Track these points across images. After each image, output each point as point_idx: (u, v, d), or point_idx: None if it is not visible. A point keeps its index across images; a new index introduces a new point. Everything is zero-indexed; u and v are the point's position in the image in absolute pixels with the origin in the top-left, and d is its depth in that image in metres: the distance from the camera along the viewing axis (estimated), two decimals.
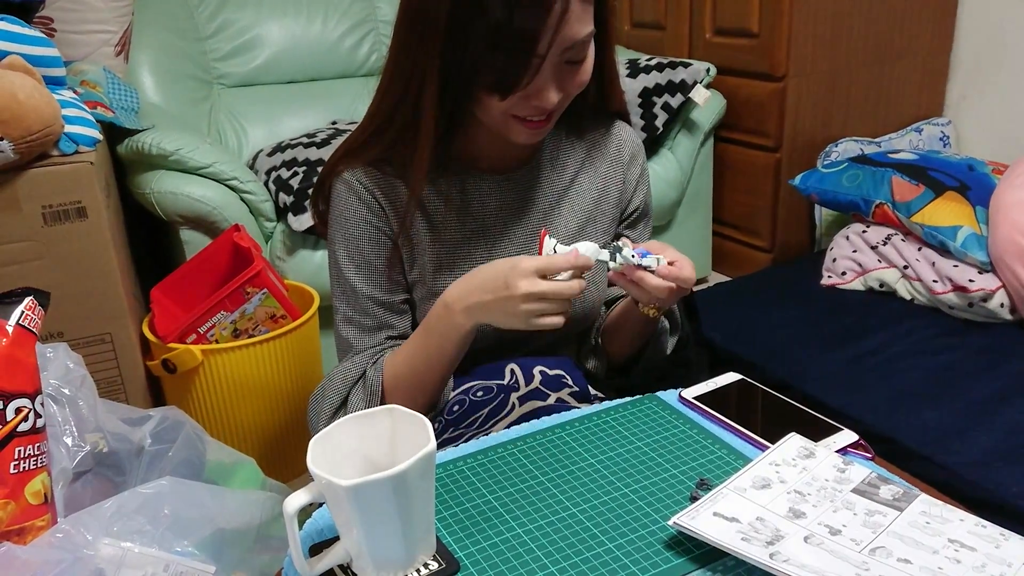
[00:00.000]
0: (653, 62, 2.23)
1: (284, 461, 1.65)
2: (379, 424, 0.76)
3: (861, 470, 0.79)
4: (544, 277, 0.88)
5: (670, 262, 0.95)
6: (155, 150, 1.68)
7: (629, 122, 1.19)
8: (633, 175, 1.17)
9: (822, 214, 2.26)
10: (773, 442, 0.84)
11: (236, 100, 2.31)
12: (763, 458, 0.81)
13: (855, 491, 0.76)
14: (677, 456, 0.86)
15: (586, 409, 0.97)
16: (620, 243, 0.94)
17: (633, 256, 0.92)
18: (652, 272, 0.94)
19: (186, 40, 2.26)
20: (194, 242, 1.75)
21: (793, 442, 0.83)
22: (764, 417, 0.93)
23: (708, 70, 2.17)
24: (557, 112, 1.00)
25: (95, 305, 1.49)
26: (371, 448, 0.76)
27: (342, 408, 1.06)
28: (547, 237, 0.92)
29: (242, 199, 1.79)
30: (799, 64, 2.12)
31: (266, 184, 1.91)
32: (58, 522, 0.87)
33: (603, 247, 0.95)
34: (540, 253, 0.91)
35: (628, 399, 0.99)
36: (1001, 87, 2.27)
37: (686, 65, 2.18)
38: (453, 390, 1.09)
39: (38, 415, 0.86)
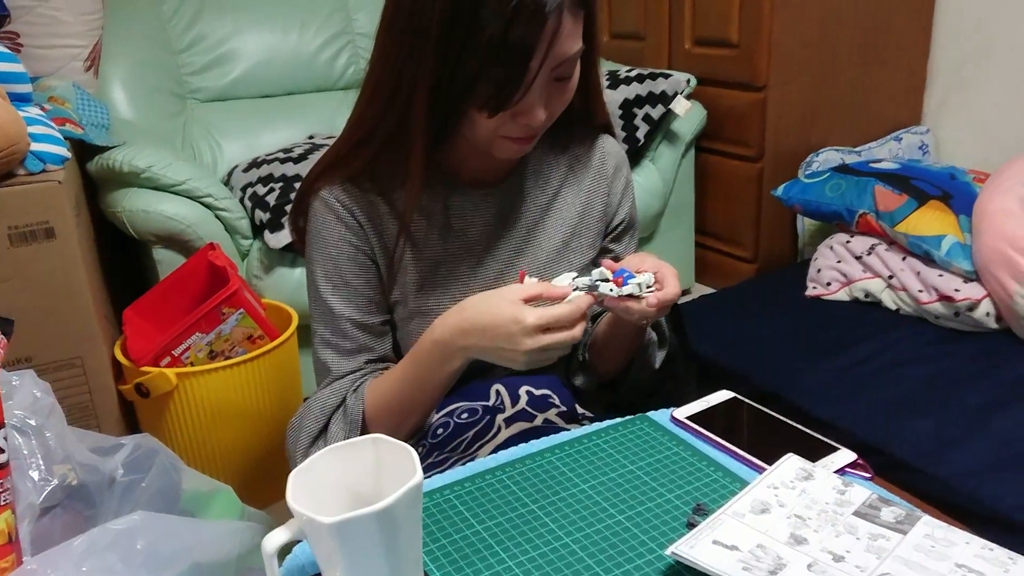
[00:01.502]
0: (633, 73, 2.21)
1: (264, 485, 1.61)
2: (363, 454, 0.72)
3: (861, 491, 0.77)
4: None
5: (655, 276, 0.94)
6: (126, 167, 1.63)
7: (614, 135, 1.17)
8: (618, 187, 1.15)
9: (804, 224, 2.25)
10: (770, 463, 0.81)
11: (211, 115, 2.27)
12: (761, 481, 0.78)
13: (857, 514, 0.73)
14: (671, 480, 0.83)
15: (575, 431, 0.94)
16: (597, 274, 0.93)
17: (613, 290, 0.92)
18: (635, 297, 0.93)
19: (159, 54, 2.21)
20: (168, 261, 1.71)
21: (791, 463, 0.81)
22: (759, 437, 0.90)
23: (689, 81, 2.16)
24: (542, 129, 0.98)
25: (65, 328, 1.44)
26: (354, 479, 0.72)
27: (321, 437, 1.02)
28: (526, 277, 0.93)
29: (217, 216, 1.75)
30: (780, 74, 2.12)
31: (242, 201, 1.87)
32: (23, 562, 0.82)
33: (581, 274, 0.95)
34: None
35: (618, 420, 0.96)
36: (978, 94, 2.27)
37: (667, 76, 2.16)
38: (437, 412, 1.06)
39: (1, 450, 0.82)
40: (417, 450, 1.05)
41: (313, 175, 1.05)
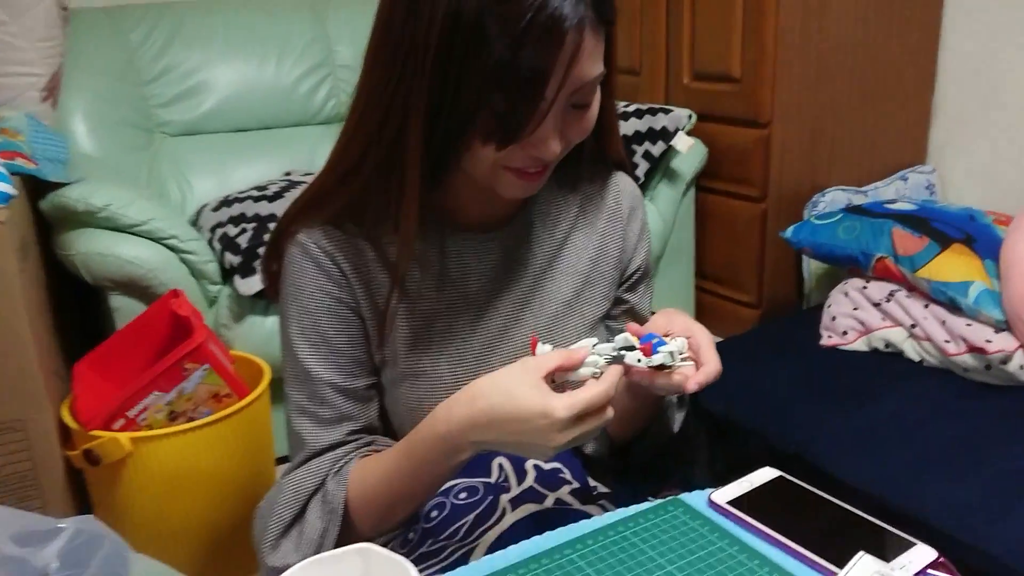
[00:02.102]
0: (632, 108, 2.10)
1: (232, 560, 1.44)
2: (348, 568, 0.58)
3: None
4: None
5: (688, 343, 0.82)
6: (82, 205, 1.48)
7: (629, 172, 1.04)
8: (634, 230, 1.03)
9: (811, 268, 2.13)
10: (836, 563, 0.68)
11: (180, 149, 2.12)
12: None
13: None
14: None
15: (597, 521, 0.80)
16: (621, 340, 0.80)
17: (640, 361, 0.79)
18: (667, 368, 0.80)
19: (125, 84, 2.07)
20: (126, 309, 1.55)
21: (865, 565, 0.67)
22: (819, 528, 0.76)
23: (690, 116, 2.06)
24: (555, 163, 0.85)
25: (5, 387, 1.27)
26: None
27: (295, 525, 0.87)
28: (539, 344, 0.80)
29: (182, 260, 1.59)
30: (784, 109, 2.01)
31: (210, 242, 1.72)
32: None
33: (596, 334, 0.86)
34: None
35: (646, 505, 0.81)
36: (983, 133, 2.19)
37: (667, 111, 2.06)
38: None
39: None
40: (408, 536, 0.90)
41: (290, 215, 0.91)
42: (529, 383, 0.74)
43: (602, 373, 0.77)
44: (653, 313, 0.91)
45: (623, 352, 0.80)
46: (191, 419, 1.36)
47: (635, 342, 0.81)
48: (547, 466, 0.96)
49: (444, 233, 0.92)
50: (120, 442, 1.28)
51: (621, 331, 0.84)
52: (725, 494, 0.80)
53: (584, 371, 0.79)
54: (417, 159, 0.79)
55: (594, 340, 0.81)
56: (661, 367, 0.80)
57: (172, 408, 1.34)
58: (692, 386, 0.79)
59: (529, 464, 0.95)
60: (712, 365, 0.80)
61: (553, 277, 0.97)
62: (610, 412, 0.76)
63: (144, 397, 1.31)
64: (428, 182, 0.83)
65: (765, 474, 0.84)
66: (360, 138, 0.84)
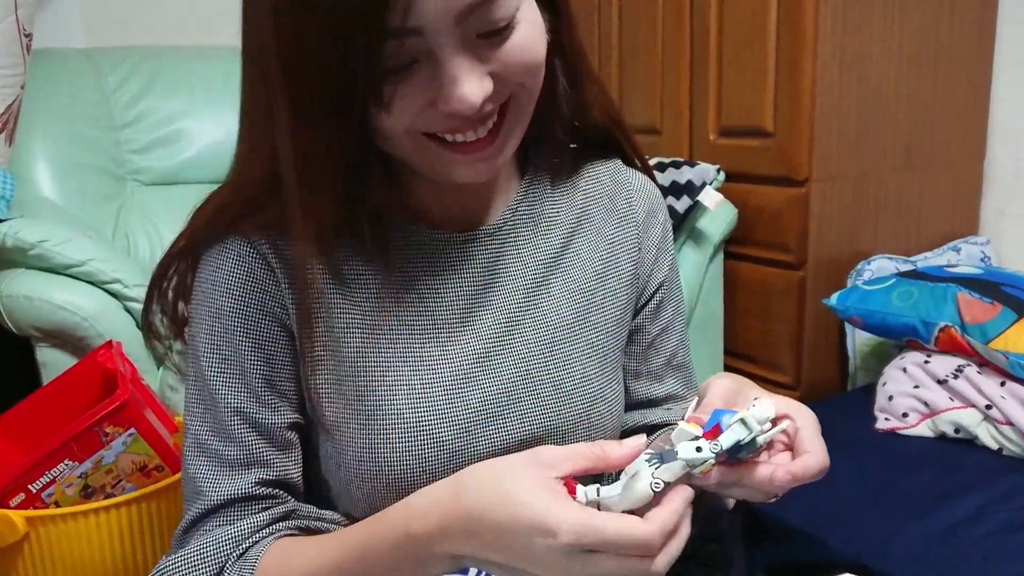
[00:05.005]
0: (653, 162, 1.90)
1: None
2: None
3: None
4: None
5: (776, 419, 0.60)
6: (11, 241, 1.27)
7: (634, 145, 0.83)
8: (652, 237, 0.81)
9: (856, 342, 1.88)
10: None
11: (153, 200, 1.93)
12: None
13: None
14: None
15: None
16: (678, 437, 0.57)
17: (710, 450, 0.55)
18: (754, 453, 0.58)
19: (98, 129, 1.90)
20: (56, 364, 1.32)
21: None
22: None
23: (718, 170, 1.85)
24: (508, 125, 0.63)
25: None
26: None
27: None
28: (578, 487, 0.55)
29: (127, 309, 1.37)
30: (823, 166, 1.81)
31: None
32: None
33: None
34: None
35: None
36: None
37: (692, 164, 1.85)
38: None
39: None
40: None
41: (200, 220, 0.71)
42: (535, 482, 0.52)
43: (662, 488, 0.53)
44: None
45: (674, 449, 0.56)
46: (110, 495, 1.10)
47: (695, 430, 0.57)
48: None
49: (404, 235, 0.70)
50: (12, 522, 1.02)
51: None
52: None
53: (637, 484, 0.53)
54: (291, 151, 0.60)
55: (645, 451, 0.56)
56: (737, 450, 0.56)
57: (87, 482, 1.09)
58: (783, 476, 0.56)
59: None
60: (816, 457, 0.57)
61: (550, 294, 0.74)
62: (662, 564, 0.51)
63: (52, 467, 1.06)
64: (356, 178, 0.63)
65: None
66: (244, 150, 0.68)
